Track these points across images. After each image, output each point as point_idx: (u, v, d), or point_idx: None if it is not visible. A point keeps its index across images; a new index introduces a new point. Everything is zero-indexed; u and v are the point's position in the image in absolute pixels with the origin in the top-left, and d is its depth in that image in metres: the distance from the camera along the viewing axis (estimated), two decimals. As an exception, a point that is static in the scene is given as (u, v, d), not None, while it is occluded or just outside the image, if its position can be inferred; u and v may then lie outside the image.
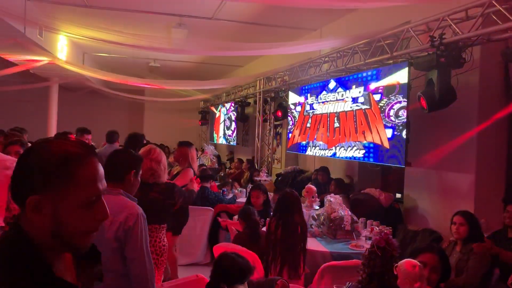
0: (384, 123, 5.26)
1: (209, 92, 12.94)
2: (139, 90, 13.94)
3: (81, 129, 6.71)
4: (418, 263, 2.11)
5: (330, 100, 6.53)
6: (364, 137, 5.66)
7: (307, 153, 7.36)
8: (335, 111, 6.41)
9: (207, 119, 14.35)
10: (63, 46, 9.00)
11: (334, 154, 6.37)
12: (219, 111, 12.91)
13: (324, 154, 6.70)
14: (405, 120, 4.88)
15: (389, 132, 5.17)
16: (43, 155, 1.05)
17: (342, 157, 6.18)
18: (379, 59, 5.34)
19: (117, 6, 7.29)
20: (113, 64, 12.28)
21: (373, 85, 5.49)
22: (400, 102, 5.00)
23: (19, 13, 6.13)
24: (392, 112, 5.13)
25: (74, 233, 1.06)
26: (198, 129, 15.30)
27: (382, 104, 5.31)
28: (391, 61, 5.22)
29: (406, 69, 4.86)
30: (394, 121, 5.08)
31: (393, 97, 5.10)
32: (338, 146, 6.27)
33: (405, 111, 4.88)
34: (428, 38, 4.41)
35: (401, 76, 4.96)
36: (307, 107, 7.33)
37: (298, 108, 7.73)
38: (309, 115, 7.26)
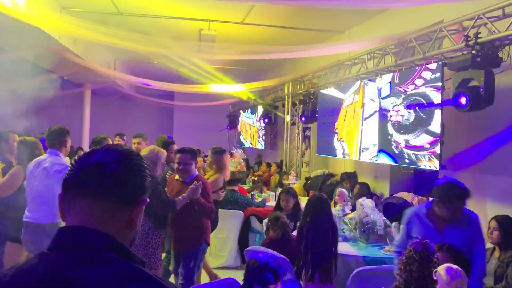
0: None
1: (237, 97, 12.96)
2: (168, 95, 14.14)
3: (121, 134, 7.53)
4: (459, 268, 2.04)
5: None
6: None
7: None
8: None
9: (235, 123, 14.40)
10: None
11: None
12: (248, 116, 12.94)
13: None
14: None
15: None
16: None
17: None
18: (411, 59, 5.23)
19: (148, 13, 7.42)
20: (143, 69, 12.48)
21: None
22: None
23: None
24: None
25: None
26: (226, 132, 15.38)
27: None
28: (423, 62, 5.11)
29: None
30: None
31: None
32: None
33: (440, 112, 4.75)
34: (461, 37, 4.29)
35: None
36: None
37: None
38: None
